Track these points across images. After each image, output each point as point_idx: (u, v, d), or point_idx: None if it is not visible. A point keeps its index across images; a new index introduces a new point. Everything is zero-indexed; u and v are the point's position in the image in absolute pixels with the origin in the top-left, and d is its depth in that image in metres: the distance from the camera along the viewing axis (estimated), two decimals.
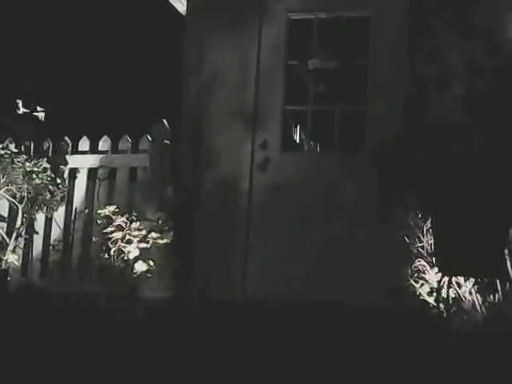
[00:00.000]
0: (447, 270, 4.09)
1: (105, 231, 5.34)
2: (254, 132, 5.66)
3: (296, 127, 6.05)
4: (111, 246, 5.28)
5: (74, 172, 6.09)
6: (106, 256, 5.22)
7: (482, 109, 4.97)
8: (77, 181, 6.07)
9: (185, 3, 6.14)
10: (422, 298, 4.36)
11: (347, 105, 5.56)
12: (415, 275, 4.43)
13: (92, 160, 6.05)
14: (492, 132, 4.84)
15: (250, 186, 5.59)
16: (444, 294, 4.21)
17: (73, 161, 6.09)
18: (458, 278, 4.28)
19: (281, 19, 5.68)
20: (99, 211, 5.47)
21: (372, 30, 5.47)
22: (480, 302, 4.24)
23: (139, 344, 3.83)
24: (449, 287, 4.19)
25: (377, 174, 5.10)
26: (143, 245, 5.30)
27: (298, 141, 6.08)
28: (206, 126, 5.68)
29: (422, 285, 4.41)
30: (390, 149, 4.95)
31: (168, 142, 5.79)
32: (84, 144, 6.14)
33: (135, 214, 5.46)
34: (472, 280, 4.27)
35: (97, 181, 5.97)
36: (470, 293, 4.25)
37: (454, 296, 4.24)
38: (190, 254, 5.48)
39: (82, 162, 6.09)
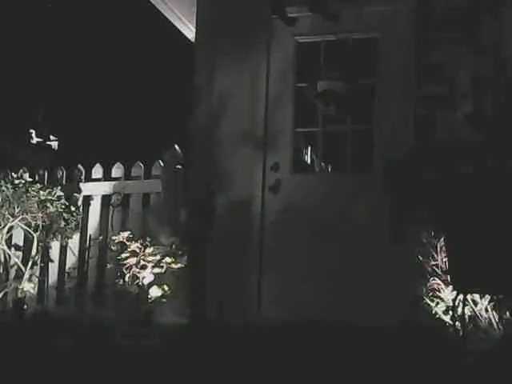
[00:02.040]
0: (462, 287, 4.06)
1: (119, 257, 5.37)
2: (265, 154, 5.69)
3: (306, 149, 6.08)
4: (126, 271, 5.30)
5: (87, 199, 6.15)
6: (121, 282, 5.24)
7: (492, 126, 4.97)
8: (91, 208, 6.12)
9: (193, 29, 6.23)
10: (437, 316, 4.33)
11: (357, 125, 5.60)
12: (430, 294, 4.41)
13: (105, 187, 6.11)
14: (503, 149, 4.83)
15: (262, 209, 5.61)
16: (460, 312, 4.18)
17: (86, 188, 6.16)
18: (474, 295, 4.25)
19: (289, 43, 5.74)
20: (113, 237, 5.51)
21: (379, 51, 5.52)
22: (497, 320, 4.21)
23: (153, 371, 3.82)
24: (464, 305, 4.16)
25: (388, 193, 5.09)
26: (157, 270, 5.33)
27: (308, 162, 6.10)
28: (217, 150, 5.71)
29: (438, 303, 4.38)
30: (401, 167, 4.95)
31: (180, 166, 5.84)
32: (97, 171, 6.20)
33: (149, 239, 5.48)
34: (487, 297, 4.24)
35: (110, 207, 6.02)
36: (486, 310, 4.22)
37: (469, 314, 4.21)
38: (203, 278, 5.49)
39: (96, 189, 6.15)
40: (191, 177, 5.76)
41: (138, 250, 5.36)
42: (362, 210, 5.33)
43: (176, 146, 5.92)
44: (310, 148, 6.04)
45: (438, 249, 4.40)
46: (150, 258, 5.34)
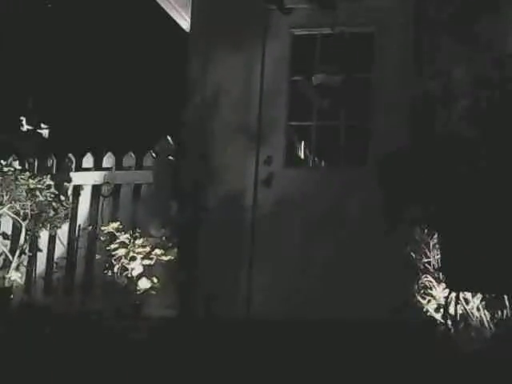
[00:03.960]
0: (454, 285, 4.03)
1: (108, 248, 5.30)
2: (258, 147, 5.63)
3: (300, 143, 6.01)
4: (115, 263, 5.23)
5: (77, 189, 6.07)
6: (110, 273, 5.17)
7: (490, 123, 4.93)
8: (81, 198, 6.04)
9: (188, 20, 6.15)
10: (429, 314, 4.29)
11: (352, 120, 5.54)
12: (422, 291, 4.37)
13: (96, 177, 6.03)
14: (500, 146, 4.79)
15: (254, 202, 5.55)
16: (451, 310, 4.15)
17: (77, 177, 6.07)
18: (466, 294, 4.22)
19: (284, 35, 5.67)
20: (103, 228, 5.44)
21: (376, 45, 5.46)
22: (488, 319, 4.17)
23: (138, 365, 3.76)
24: (456, 303, 4.13)
25: (382, 188, 5.04)
26: (147, 262, 5.26)
27: (302, 156, 6.04)
28: (210, 142, 5.65)
29: (429, 301, 4.34)
30: (396, 162, 4.91)
31: (172, 158, 5.77)
32: (88, 161, 6.12)
33: (139, 230, 5.42)
34: (480, 296, 4.20)
35: (101, 197, 5.95)
36: (478, 309, 4.18)
37: (461, 312, 4.17)
38: (194, 271, 5.43)
39: (86, 178, 6.07)
40: (183, 169, 5.69)
41: (127, 241, 5.30)
42: (356, 204, 5.28)
43: (168, 137, 5.85)
44: (303, 142, 5.97)
45: (431, 246, 4.36)
46: (140, 250, 5.28)
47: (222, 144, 5.64)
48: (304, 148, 6.00)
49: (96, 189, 6.02)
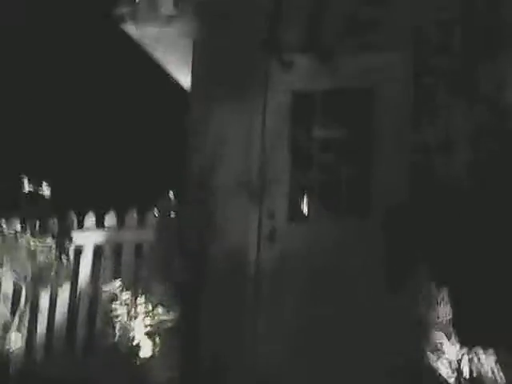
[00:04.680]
0: (467, 343, 3.91)
1: (110, 308, 5.20)
2: (261, 202, 5.57)
3: (303, 196, 5.97)
4: (116, 322, 5.12)
5: (79, 248, 6.00)
6: (111, 335, 5.05)
7: (490, 175, 4.89)
8: (82, 258, 5.97)
9: (188, 77, 6.19)
10: (441, 376, 4.14)
11: (353, 173, 5.50)
12: (432, 351, 4.23)
13: (98, 236, 5.97)
14: (501, 199, 4.74)
15: (257, 257, 5.46)
16: (465, 371, 4.00)
17: (78, 237, 6.01)
18: (480, 354, 4.06)
19: (285, 90, 5.68)
20: (104, 288, 5.34)
21: (376, 100, 5.45)
22: (502, 380, 4.02)
23: None
24: (471, 363, 3.99)
25: (387, 241, 4.97)
26: (149, 320, 5.15)
27: (304, 210, 5.98)
28: (211, 198, 5.60)
29: (439, 359, 4.20)
30: (397, 216, 4.85)
31: (174, 215, 5.71)
32: (90, 219, 6.08)
33: (141, 289, 5.32)
34: (493, 356, 4.05)
35: (102, 257, 5.88)
36: (493, 370, 4.03)
37: (475, 375, 4.02)
38: (197, 330, 5.31)
39: (88, 238, 6.01)
40: (185, 225, 5.63)
41: (128, 301, 5.19)
42: (359, 258, 5.17)
43: (170, 194, 5.80)
44: (306, 195, 5.92)
45: (439, 301, 4.25)
46: (142, 309, 5.17)
47: (223, 199, 5.58)
48: (306, 202, 5.94)
49: (98, 248, 5.95)
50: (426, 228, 4.65)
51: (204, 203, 5.58)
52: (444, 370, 4.02)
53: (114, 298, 5.25)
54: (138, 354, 4.95)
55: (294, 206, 5.75)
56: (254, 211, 5.51)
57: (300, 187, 5.83)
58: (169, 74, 6.63)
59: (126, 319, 5.13)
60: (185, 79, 6.41)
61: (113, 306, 5.20)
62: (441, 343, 4.13)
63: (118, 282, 5.35)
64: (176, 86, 6.56)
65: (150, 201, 5.89)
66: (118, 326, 5.13)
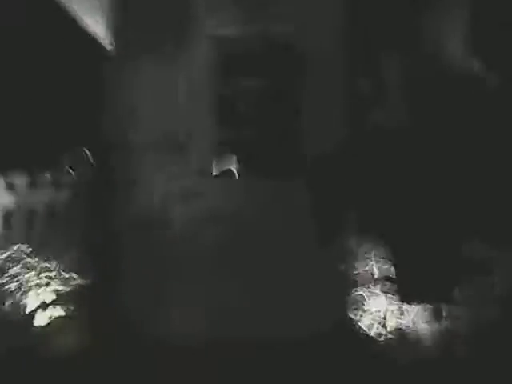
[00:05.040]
0: (392, 296, 3.67)
1: (12, 273, 4.77)
2: (182, 159, 5.22)
3: (228, 152, 5.63)
4: (17, 289, 4.70)
5: None
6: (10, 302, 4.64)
7: (424, 124, 4.65)
8: None
9: (104, 27, 5.75)
10: (362, 329, 3.90)
11: (282, 124, 5.21)
12: (356, 305, 3.98)
13: (5, 197, 5.51)
14: (437, 149, 4.50)
15: (177, 217, 5.13)
16: (388, 324, 3.79)
17: None
18: (402, 306, 3.85)
19: (207, 38, 5.32)
20: (9, 252, 4.90)
21: (306, 43, 5.13)
22: (427, 331, 3.80)
23: None
24: (392, 317, 3.77)
25: (314, 195, 4.71)
26: (58, 286, 4.76)
27: (230, 167, 5.65)
28: (130, 155, 5.21)
29: (362, 315, 3.95)
30: (328, 170, 4.58)
31: (88, 174, 5.31)
32: None
33: (50, 253, 4.91)
34: (417, 307, 3.84)
35: (12, 219, 5.42)
36: (415, 322, 3.81)
37: (398, 326, 3.80)
38: (110, 294, 4.94)
39: None
40: (100, 184, 5.23)
41: (35, 264, 4.78)
42: (286, 215, 4.93)
43: (85, 150, 5.39)
44: (231, 151, 5.58)
45: (366, 256, 3.99)
46: (50, 274, 4.77)
47: (143, 156, 5.21)
48: (232, 157, 5.61)
49: (7, 211, 5.48)
50: (356, 181, 4.39)
51: (121, 161, 5.20)
52: (367, 322, 3.78)
53: (16, 263, 4.83)
54: (46, 314, 4.55)
55: (218, 163, 5.43)
56: (175, 168, 5.18)
57: (226, 142, 5.49)
58: (83, 25, 6.16)
59: (31, 285, 4.72)
60: (101, 30, 5.96)
61: (14, 270, 4.78)
62: (365, 296, 3.88)
63: (24, 245, 4.93)
64: (90, 37, 6.09)
65: (62, 159, 5.46)
66: (20, 292, 4.71)
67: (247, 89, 5.26)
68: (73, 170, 5.38)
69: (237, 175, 5.60)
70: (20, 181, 5.54)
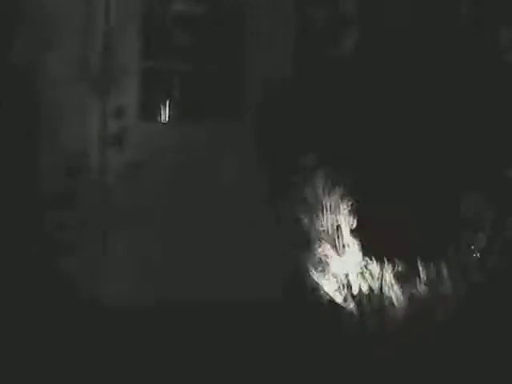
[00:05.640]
0: (360, 254, 3.23)
1: None
2: (105, 97, 4.58)
3: (159, 90, 4.96)
4: None
5: None
6: None
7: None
8: None
9: None
10: (326, 293, 3.41)
11: (221, 60, 4.69)
12: (317, 266, 3.47)
13: None
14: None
15: (102, 164, 4.49)
16: (355, 287, 3.33)
17: None
18: (372, 266, 3.39)
19: None
20: None
21: None
22: (400, 295, 3.36)
23: None
24: (361, 278, 3.32)
25: (262, 141, 4.21)
26: None
27: (161, 107, 4.99)
28: (40, 89, 4.50)
29: (327, 276, 3.45)
30: (277, 108, 4.06)
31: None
32: None
33: None
34: (389, 268, 3.38)
35: None
36: (388, 285, 3.36)
37: (367, 290, 3.34)
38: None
39: None
40: (4, 124, 4.46)
41: None
42: (229, 164, 4.50)
43: None
44: (162, 89, 4.92)
45: (328, 207, 3.46)
46: None
47: (57, 93, 4.51)
48: (164, 96, 4.94)
49: None
50: (312, 121, 3.89)
51: (32, 99, 4.45)
52: (330, 286, 3.31)
53: None
54: None
55: (148, 102, 4.77)
56: (96, 108, 4.50)
57: (155, 79, 4.80)
58: None
59: None
60: None
61: None
62: (327, 256, 3.38)
63: None
64: None
65: None
66: None
67: (182, 14, 4.59)
68: None
69: (168, 116, 4.93)
70: None
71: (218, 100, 4.69)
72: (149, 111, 4.69)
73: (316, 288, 3.46)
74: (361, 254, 3.40)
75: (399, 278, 3.36)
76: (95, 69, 4.54)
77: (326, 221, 3.51)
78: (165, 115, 4.99)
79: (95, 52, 4.53)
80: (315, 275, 3.46)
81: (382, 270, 3.38)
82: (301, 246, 3.57)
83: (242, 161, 4.47)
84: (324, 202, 3.50)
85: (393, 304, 3.35)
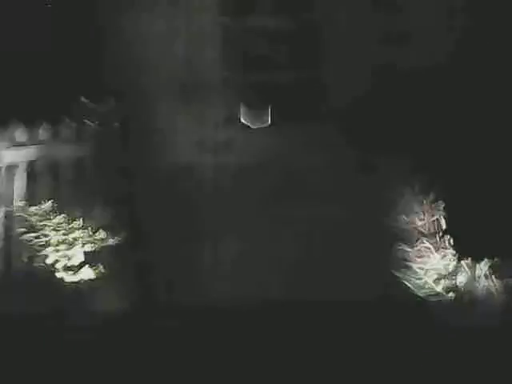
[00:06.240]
0: (459, 250, 3.33)
1: (39, 233, 4.45)
2: (210, 109, 4.88)
3: (258, 100, 5.20)
4: (47, 249, 4.41)
5: (10, 166, 5.18)
6: (41, 262, 4.35)
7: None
8: (13, 176, 5.16)
9: None
10: (428, 286, 3.55)
11: (301, 69, 4.90)
12: (418, 260, 3.61)
13: (31, 152, 5.16)
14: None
15: (206, 170, 4.85)
16: (455, 280, 3.45)
17: (8, 154, 5.18)
18: (470, 260, 3.49)
19: None
20: (32, 209, 4.56)
21: None
22: (498, 287, 3.44)
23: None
24: (460, 272, 3.43)
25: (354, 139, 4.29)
26: (89, 247, 4.45)
27: (260, 115, 5.22)
28: (151, 106, 4.87)
29: (427, 271, 3.59)
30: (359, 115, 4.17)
31: (115, 126, 4.95)
32: (22, 135, 5.24)
33: (79, 210, 4.58)
34: (486, 262, 3.47)
35: (35, 174, 5.09)
36: (486, 276, 3.45)
37: (465, 282, 3.45)
38: (148, 253, 4.64)
39: (20, 155, 5.19)
40: (126, 138, 4.88)
41: (63, 224, 4.46)
42: (327, 163, 4.64)
43: (112, 101, 5.00)
44: (261, 99, 5.15)
45: (427, 207, 3.60)
46: (80, 234, 4.45)
47: (165, 106, 4.90)
48: (262, 106, 5.17)
49: (31, 165, 5.14)
50: (405, 126, 4.00)
51: (143, 114, 4.83)
52: (431, 279, 3.44)
53: (45, 219, 4.50)
54: (77, 276, 4.27)
55: (249, 112, 5.01)
56: (197, 119, 4.86)
57: (255, 91, 5.05)
58: None
59: (59, 246, 4.41)
60: None
61: (45, 232, 4.46)
62: (428, 252, 3.52)
63: (48, 202, 4.58)
64: None
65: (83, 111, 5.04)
66: (48, 252, 4.40)
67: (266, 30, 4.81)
68: (92, 122, 5.01)
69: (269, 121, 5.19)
70: (44, 133, 5.20)
71: (306, 105, 4.85)
72: (250, 119, 4.92)
73: (417, 279, 3.57)
74: (458, 247, 3.49)
75: (494, 268, 3.44)
76: (195, 84, 4.85)
77: (426, 219, 3.65)
78: (265, 122, 5.25)
79: (189, 69, 4.86)
80: (417, 268, 3.59)
81: (479, 263, 3.48)
82: (402, 242, 3.72)
83: (331, 156, 4.60)
84: (422, 203, 3.66)
85: (491, 293, 3.44)
